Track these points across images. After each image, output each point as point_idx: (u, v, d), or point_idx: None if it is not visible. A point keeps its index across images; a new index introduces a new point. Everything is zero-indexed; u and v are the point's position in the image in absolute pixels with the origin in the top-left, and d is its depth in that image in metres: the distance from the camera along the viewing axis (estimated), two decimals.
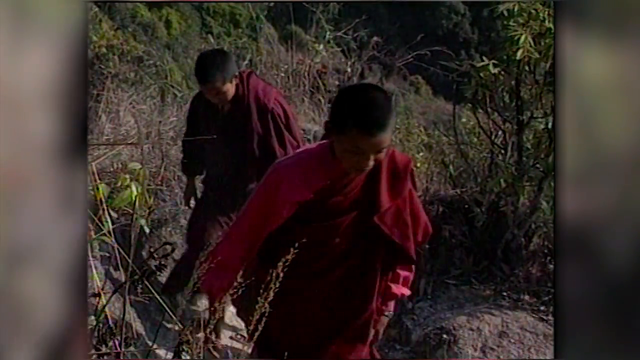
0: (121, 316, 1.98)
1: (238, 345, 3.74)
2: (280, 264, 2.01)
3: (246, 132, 3.60)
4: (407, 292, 2.50)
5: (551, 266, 4.08)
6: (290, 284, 2.16)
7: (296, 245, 2.06)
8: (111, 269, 3.13)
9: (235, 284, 1.98)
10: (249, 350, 2.30)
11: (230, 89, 3.50)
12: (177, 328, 3.46)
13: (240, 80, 3.58)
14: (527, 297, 3.97)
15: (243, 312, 3.60)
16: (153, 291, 2.09)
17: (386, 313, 2.49)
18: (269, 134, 3.61)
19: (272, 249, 2.21)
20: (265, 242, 2.26)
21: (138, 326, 3.34)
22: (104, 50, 5.92)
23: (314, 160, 2.22)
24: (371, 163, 2.10)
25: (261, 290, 1.95)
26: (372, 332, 2.42)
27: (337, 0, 9.84)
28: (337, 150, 2.12)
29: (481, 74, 4.10)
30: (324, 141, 2.28)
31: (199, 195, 4.00)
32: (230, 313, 3.79)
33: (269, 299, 2.00)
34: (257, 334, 1.92)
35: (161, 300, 3.37)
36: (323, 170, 2.20)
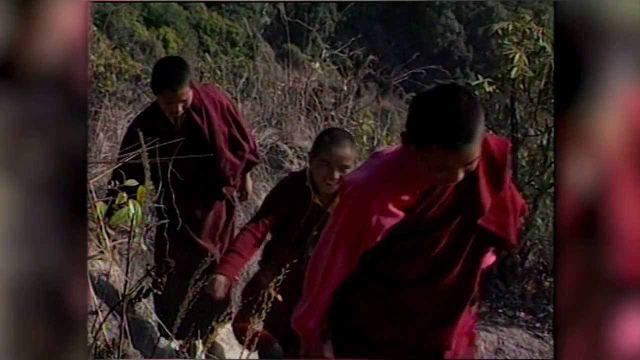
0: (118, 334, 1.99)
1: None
2: (272, 284, 2.01)
3: (212, 133, 3.51)
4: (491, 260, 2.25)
5: (547, 283, 4.09)
6: (385, 292, 2.07)
7: (288, 265, 2.02)
8: (109, 286, 3.13)
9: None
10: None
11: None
12: (172, 345, 3.46)
13: None
14: (522, 314, 3.98)
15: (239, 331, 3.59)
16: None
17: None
18: (232, 129, 3.59)
19: (368, 263, 2.01)
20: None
21: (134, 343, 3.33)
22: (101, 69, 5.97)
23: (398, 175, 1.92)
24: (461, 176, 1.82)
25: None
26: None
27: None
28: (420, 164, 1.84)
29: (476, 92, 4.14)
30: (400, 147, 1.98)
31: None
32: (226, 330, 3.79)
33: (262, 318, 2.01)
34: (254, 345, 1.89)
35: (158, 318, 3.37)
36: (410, 185, 1.90)
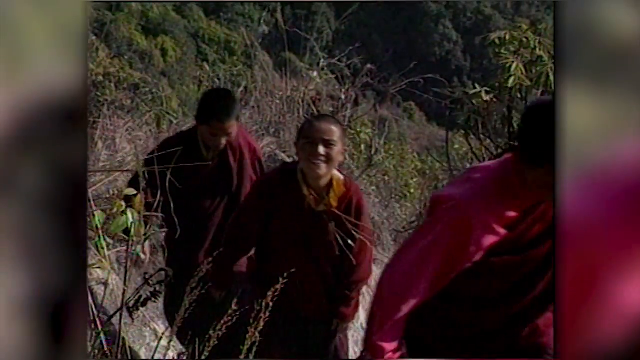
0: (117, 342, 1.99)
1: None
2: (270, 293, 1.97)
3: (242, 175, 3.38)
4: None
5: None
6: (463, 312, 1.93)
7: (285, 275, 1.91)
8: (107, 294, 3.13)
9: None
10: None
11: None
12: (170, 353, 3.45)
13: None
14: None
15: None
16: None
17: None
18: (257, 176, 3.42)
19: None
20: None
21: (132, 351, 3.33)
22: (100, 78, 5.99)
23: (502, 191, 1.78)
24: None
25: None
26: None
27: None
28: (532, 181, 1.74)
29: (474, 101, 4.15)
30: (505, 159, 1.87)
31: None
32: None
33: (259, 329, 1.99)
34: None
35: (156, 325, 3.36)
36: (515, 202, 1.78)
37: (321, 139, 2.64)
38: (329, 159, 2.67)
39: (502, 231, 1.78)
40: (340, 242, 2.78)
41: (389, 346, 1.87)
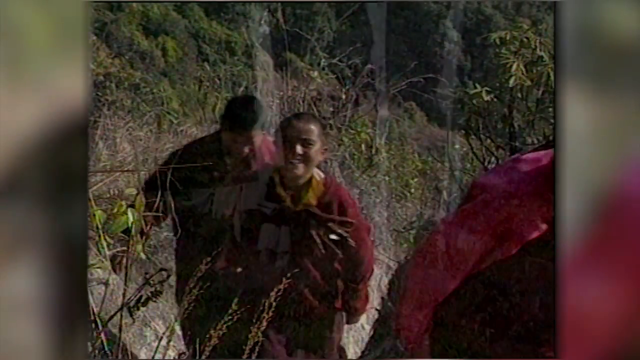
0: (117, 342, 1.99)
1: None
2: (273, 293, 1.95)
3: None
4: None
5: None
6: (491, 301, 1.86)
7: (288, 275, 1.91)
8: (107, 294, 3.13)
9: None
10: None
11: None
12: (171, 353, 3.45)
13: None
14: None
15: None
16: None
17: None
18: None
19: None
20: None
21: (134, 351, 3.34)
22: (101, 78, 6.00)
23: (548, 185, 1.72)
24: None
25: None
26: None
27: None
28: None
29: (474, 101, 4.16)
30: (548, 152, 1.84)
31: None
32: None
33: (262, 329, 1.98)
34: None
35: (157, 325, 3.36)
36: None
37: (298, 138, 2.58)
38: (307, 159, 2.61)
39: (544, 226, 1.73)
40: (327, 240, 2.73)
41: (420, 328, 1.88)
